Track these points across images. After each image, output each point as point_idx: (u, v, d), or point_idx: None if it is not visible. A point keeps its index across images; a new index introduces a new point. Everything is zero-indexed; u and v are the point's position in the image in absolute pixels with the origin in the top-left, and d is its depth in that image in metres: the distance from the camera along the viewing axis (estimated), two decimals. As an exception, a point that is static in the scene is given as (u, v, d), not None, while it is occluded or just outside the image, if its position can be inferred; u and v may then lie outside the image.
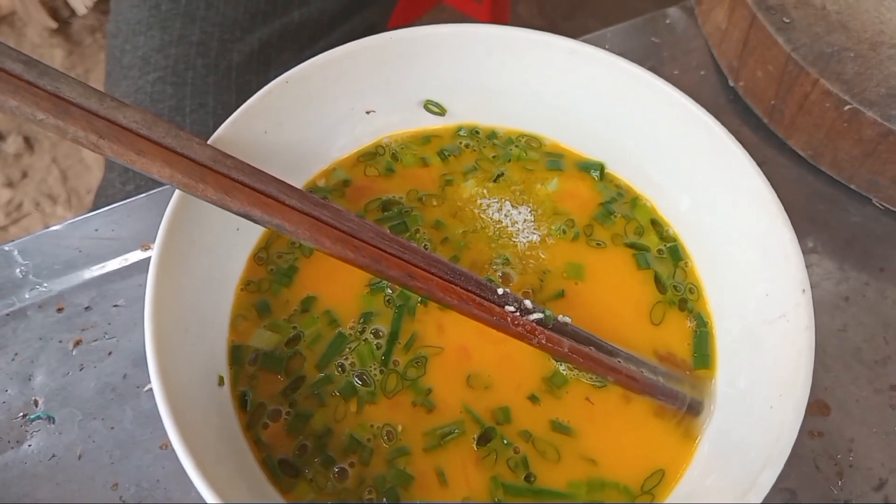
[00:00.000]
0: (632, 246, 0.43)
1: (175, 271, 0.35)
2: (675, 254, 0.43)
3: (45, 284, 0.48)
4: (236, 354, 0.39)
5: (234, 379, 0.38)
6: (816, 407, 0.47)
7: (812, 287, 0.51)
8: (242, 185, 0.34)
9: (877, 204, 0.55)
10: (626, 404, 0.38)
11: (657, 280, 0.42)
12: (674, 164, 0.43)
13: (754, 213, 0.38)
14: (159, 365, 0.31)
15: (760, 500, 0.30)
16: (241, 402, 0.37)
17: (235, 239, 0.41)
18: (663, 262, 0.43)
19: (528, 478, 0.36)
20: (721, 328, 0.40)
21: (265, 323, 0.40)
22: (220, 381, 0.37)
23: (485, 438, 0.37)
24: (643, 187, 0.45)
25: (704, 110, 0.40)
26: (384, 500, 0.35)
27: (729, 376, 0.38)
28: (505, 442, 0.37)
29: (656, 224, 0.44)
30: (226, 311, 0.40)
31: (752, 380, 0.36)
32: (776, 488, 0.44)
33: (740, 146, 0.39)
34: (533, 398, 0.38)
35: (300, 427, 0.37)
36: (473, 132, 0.47)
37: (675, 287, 0.42)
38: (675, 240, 0.43)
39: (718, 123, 0.40)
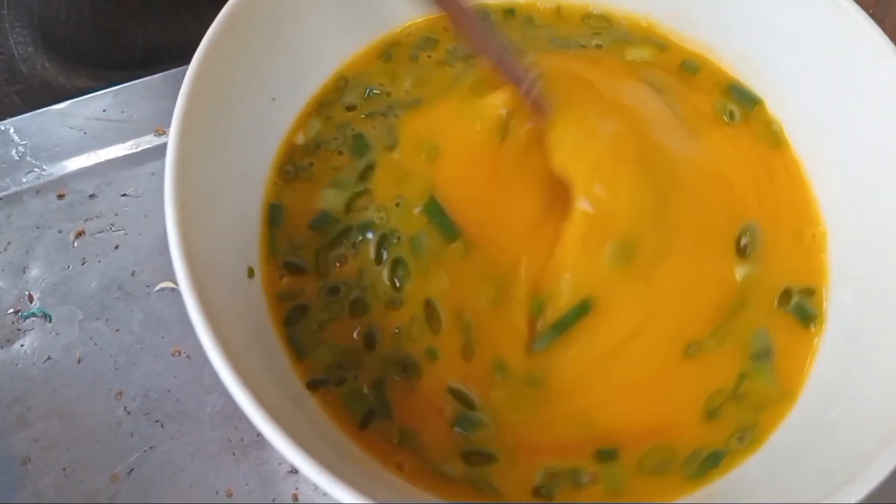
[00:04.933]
0: None
1: (201, 137, 0.29)
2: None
3: (45, 168, 0.43)
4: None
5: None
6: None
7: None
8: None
9: None
10: None
11: None
12: (793, 53, 0.36)
13: (888, 105, 0.32)
14: (183, 241, 0.25)
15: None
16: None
17: (271, 110, 0.35)
18: None
19: None
20: (836, 241, 0.34)
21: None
22: (251, 273, 0.32)
23: None
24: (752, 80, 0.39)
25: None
26: None
27: (850, 294, 0.33)
28: None
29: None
30: (259, 192, 0.34)
31: (885, 299, 0.30)
32: None
33: (876, 26, 0.33)
34: None
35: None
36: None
37: None
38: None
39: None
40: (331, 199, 0.34)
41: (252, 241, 0.33)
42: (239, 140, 0.32)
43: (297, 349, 0.31)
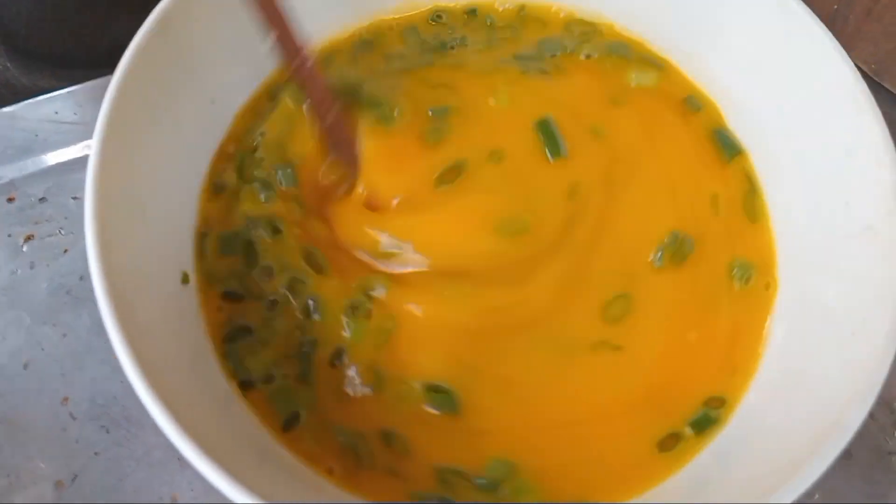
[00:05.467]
0: None
1: (129, 146, 0.29)
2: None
3: (-6, 171, 0.42)
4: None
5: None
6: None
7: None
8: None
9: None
10: None
11: None
12: (742, 52, 0.36)
13: (835, 105, 0.32)
14: (101, 248, 0.25)
15: (844, 445, 0.24)
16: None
17: (210, 114, 0.34)
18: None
19: None
20: (783, 241, 0.34)
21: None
22: (185, 279, 0.31)
23: None
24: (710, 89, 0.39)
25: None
26: None
27: (797, 297, 0.32)
28: None
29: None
30: (193, 205, 0.33)
31: (826, 303, 0.30)
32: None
33: (822, 26, 0.32)
34: None
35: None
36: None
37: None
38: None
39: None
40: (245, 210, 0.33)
41: (186, 250, 0.32)
42: (174, 148, 0.32)
43: (236, 368, 0.30)
